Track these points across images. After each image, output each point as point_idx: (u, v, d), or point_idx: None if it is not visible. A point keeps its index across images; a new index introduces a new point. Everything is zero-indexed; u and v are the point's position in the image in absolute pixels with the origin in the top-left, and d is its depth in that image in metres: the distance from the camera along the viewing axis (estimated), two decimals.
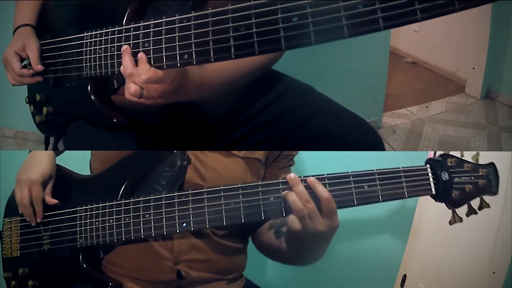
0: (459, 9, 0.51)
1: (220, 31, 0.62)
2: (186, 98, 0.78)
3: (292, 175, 0.73)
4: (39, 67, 0.89)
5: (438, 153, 0.78)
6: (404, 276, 1.31)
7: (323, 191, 0.71)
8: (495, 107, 2.56)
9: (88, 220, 0.84)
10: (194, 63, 0.65)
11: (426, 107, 2.61)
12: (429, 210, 1.26)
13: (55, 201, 0.87)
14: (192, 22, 0.65)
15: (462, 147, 2.15)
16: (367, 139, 0.93)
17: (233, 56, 0.61)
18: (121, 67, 0.71)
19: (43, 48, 0.91)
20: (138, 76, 0.69)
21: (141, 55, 0.69)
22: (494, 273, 1.16)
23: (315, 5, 0.55)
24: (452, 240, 1.22)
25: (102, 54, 0.77)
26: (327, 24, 0.55)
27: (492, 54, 2.53)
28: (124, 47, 0.71)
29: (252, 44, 0.59)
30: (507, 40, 2.46)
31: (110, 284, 0.84)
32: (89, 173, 0.95)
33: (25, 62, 0.92)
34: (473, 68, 2.66)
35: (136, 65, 0.69)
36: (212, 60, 0.63)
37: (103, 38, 0.76)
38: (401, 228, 1.32)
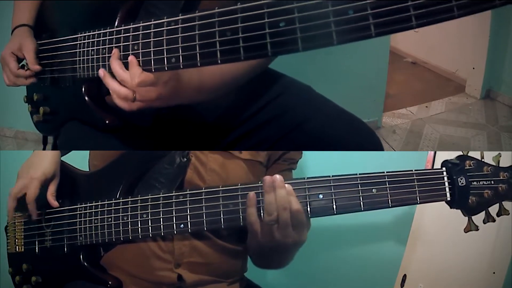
0: (457, 16, 0.49)
1: (206, 35, 0.60)
2: (184, 101, 0.77)
3: (277, 176, 0.69)
4: (36, 67, 0.89)
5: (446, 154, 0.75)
6: (404, 276, 1.31)
7: (295, 202, 0.68)
8: (495, 107, 2.56)
9: (87, 218, 0.84)
10: (181, 67, 0.64)
11: (426, 107, 2.60)
12: (430, 210, 1.26)
13: (56, 204, 0.87)
14: (180, 25, 0.63)
15: (462, 147, 2.15)
16: (365, 141, 0.92)
17: (219, 62, 0.60)
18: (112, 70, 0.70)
19: (40, 48, 0.91)
20: (131, 80, 0.68)
21: (131, 58, 0.68)
22: (494, 273, 1.15)
23: (303, 9, 0.53)
24: (452, 240, 1.22)
25: (94, 56, 0.77)
26: (315, 30, 0.53)
27: (492, 54, 2.52)
28: (113, 51, 0.71)
29: (238, 49, 0.58)
30: (507, 40, 2.45)
31: (110, 282, 0.84)
32: (87, 169, 0.95)
33: (23, 63, 0.92)
34: (473, 68, 2.65)
35: (127, 68, 0.68)
36: (199, 64, 0.62)
37: (95, 39, 0.76)
38: (401, 228, 1.32)
